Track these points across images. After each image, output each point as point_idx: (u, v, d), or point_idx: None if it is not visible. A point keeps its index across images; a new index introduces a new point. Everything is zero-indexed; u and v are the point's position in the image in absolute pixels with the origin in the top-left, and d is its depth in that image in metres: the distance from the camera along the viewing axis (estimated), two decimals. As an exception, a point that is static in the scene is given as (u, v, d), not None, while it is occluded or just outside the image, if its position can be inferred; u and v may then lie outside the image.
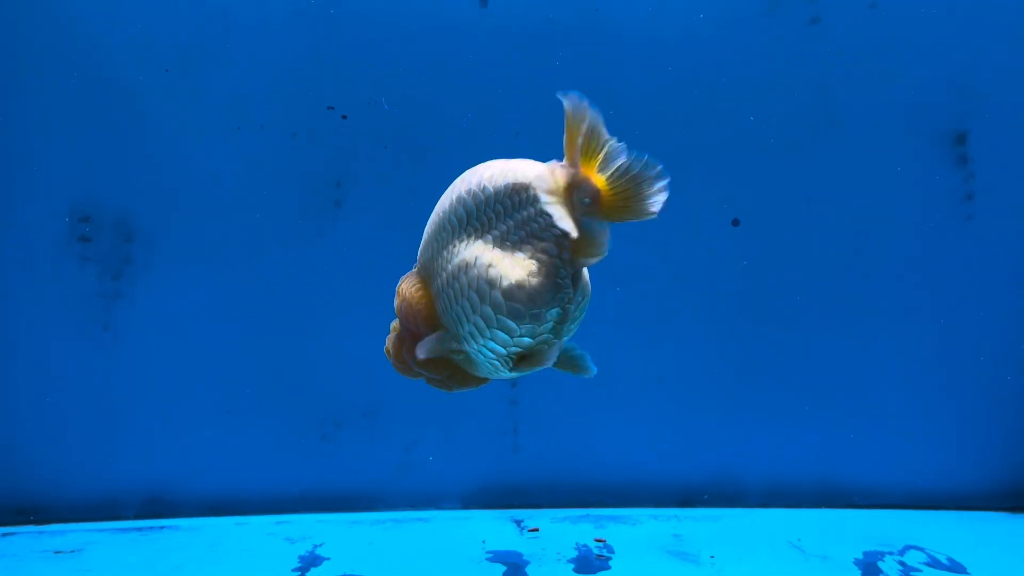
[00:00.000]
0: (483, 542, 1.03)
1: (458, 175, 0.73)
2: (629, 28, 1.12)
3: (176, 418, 1.13)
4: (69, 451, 1.12)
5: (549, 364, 0.71)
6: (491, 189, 0.69)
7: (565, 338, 0.71)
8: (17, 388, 1.11)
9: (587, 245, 0.66)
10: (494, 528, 1.08)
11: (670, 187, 0.65)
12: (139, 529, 1.07)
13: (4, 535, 1.05)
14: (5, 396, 1.11)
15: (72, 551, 0.99)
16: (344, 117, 1.13)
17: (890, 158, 1.14)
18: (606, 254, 0.67)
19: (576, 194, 0.66)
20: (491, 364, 0.72)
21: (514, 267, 0.67)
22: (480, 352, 0.71)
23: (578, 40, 1.12)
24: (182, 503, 1.14)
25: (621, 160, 0.65)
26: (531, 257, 0.67)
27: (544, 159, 0.69)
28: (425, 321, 0.73)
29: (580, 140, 0.64)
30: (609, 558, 0.98)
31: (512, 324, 0.67)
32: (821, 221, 1.15)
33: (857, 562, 0.96)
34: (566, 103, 0.64)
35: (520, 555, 0.99)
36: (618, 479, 1.18)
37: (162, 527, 1.08)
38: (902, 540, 1.03)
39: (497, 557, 0.98)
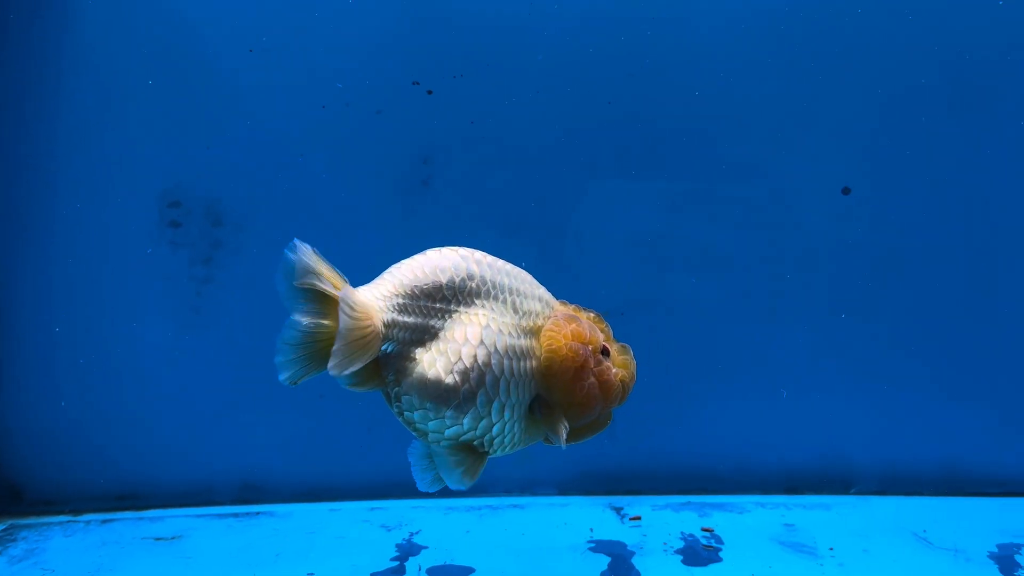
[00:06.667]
0: (591, 530, 0.99)
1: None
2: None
3: (269, 403, 1.12)
4: (165, 437, 1.12)
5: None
6: None
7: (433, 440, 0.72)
8: (112, 374, 1.11)
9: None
10: (593, 516, 1.04)
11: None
12: (236, 515, 1.07)
13: (104, 522, 1.06)
14: (100, 382, 1.11)
15: (172, 538, 0.99)
16: (430, 92, 1.10)
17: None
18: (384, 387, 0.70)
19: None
20: None
21: None
22: None
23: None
24: (277, 489, 1.12)
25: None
26: None
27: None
28: None
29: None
30: (719, 549, 0.93)
31: None
32: (944, 197, 1.08)
33: (992, 555, 0.89)
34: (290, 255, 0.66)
35: (624, 545, 0.95)
36: (720, 465, 1.12)
37: (258, 513, 1.07)
38: (1039, 531, 0.95)
39: (600, 547, 0.94)
